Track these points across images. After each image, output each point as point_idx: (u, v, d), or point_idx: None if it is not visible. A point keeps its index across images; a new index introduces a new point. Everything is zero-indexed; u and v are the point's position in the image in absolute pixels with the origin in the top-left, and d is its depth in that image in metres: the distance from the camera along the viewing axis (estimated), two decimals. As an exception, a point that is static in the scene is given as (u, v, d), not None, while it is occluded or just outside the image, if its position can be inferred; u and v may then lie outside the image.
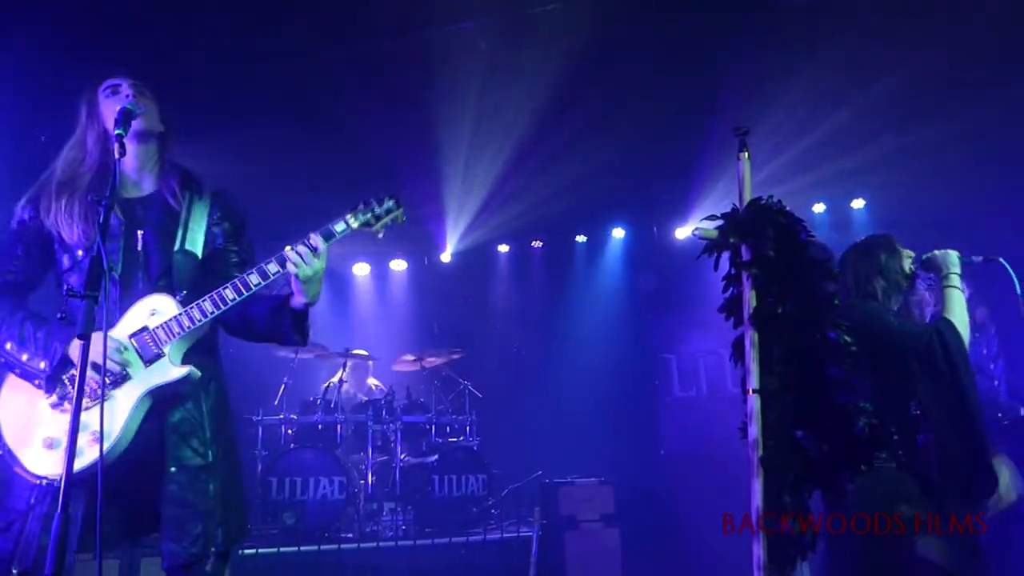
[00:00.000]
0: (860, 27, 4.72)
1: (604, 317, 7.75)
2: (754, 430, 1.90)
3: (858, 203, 7.02)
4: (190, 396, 2.24)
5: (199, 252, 2.32)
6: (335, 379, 6.89)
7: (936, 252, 2.82)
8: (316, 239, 2.28)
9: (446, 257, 8.26)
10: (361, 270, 8.70)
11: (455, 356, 6.71)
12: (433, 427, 6.42)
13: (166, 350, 2.21)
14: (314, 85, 5.47)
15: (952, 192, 5.82)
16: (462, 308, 8.06)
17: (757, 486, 1.86)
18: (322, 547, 4.99)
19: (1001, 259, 2.80)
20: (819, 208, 7.16)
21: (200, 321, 2.23)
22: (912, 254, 2.90)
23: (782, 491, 1.87)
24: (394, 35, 5.14)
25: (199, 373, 2.24)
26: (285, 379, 6.36)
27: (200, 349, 2.30)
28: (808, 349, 1.94)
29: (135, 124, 2.21)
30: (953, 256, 2.79)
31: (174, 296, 2.25)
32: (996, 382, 4.37)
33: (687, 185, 6.68)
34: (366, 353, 6.76)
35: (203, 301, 2.24)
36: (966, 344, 2.59)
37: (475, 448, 6.27)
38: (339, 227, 2.34)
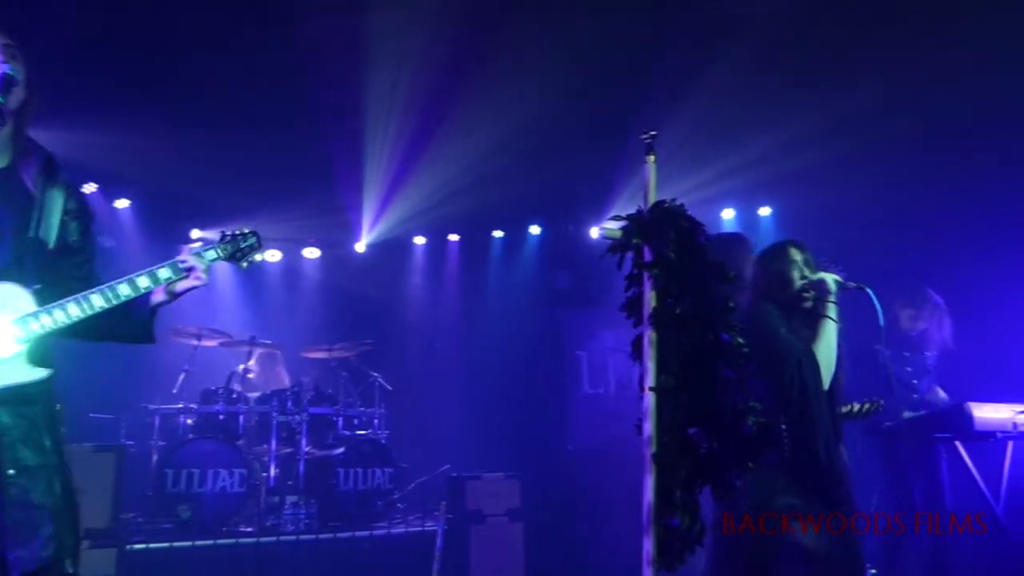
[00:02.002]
0: (770, 38, 4.89)
1: (518, 313, 7.79)
2: (648, 427, 1.95)
3: (765, 210, 7.27)
4: (30, 395, 2.07)
5: (52, 243, 2.15)
6: (240, 368, 6.70)
7: (819, 275, 2.92)
8: (189, 258, 2.25)
9: (361, 247, 8.14)
10: (272, 257, 8.47)
11: (366, 348, 6.63)
12: (340, 419, 6.32)
13: (24, 348, 2.04)
14: (229, 70, 5.30)
15: (857, 201, 6.09)
16: (375, 299, 7.97)
17: (649, 481, 1.91)
18: (218, 541, 4.84)
19: (868, 290, 2.93)
20: (728, 214, 7.40)
21: (62, 323, 2.08)
22: (836, 276, 2.97)
23: (674, 487, 1.92)
24: (315, 20, 5.04)
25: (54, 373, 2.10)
26: (185, 367, 6.14)
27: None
28: (703, 349, 2.00)
29: (15, 94, 2.03)
30: (831, 282, 2.90)
31: (27, 288, 2.08)
32: (915, 395, 4.59)
33: (604, 185, 6.79)
34: (272, 342, 6.59)
35: (68, 303, 2.08)
36: (827, 376, 2.74)
37: (383, 441, 6.21)
38: (210, 254, 2.34)
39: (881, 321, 3.03)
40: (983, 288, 5.52)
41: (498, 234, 8.27)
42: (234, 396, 5.98)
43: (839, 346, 2.87)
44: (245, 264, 2.46)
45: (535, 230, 8.13)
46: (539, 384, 7.40)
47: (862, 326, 3.22)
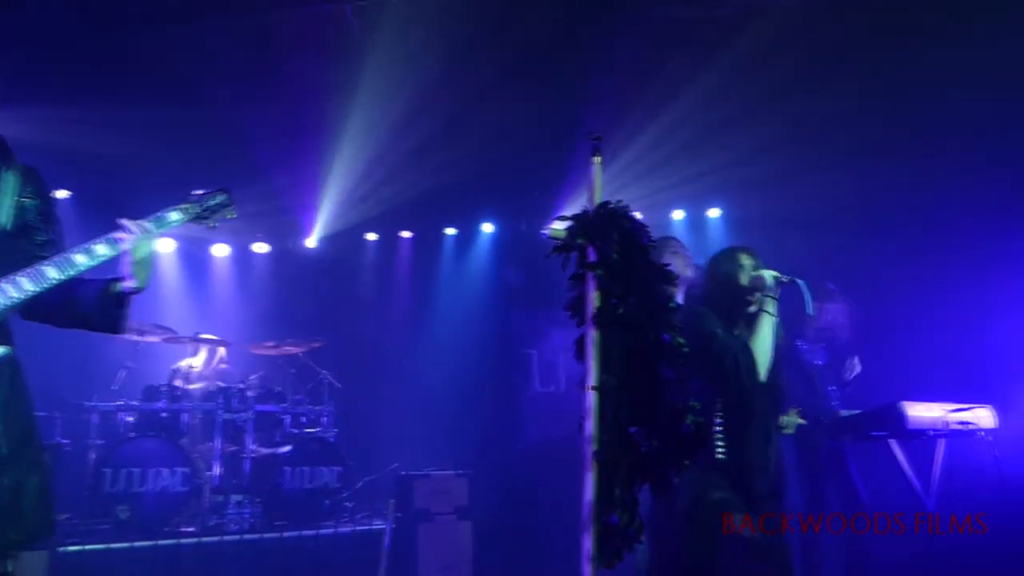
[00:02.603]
0: (722, 45, 4.98)
1: (469, 311, 7.79)
2: (590, 426, 1.97)
3: (714, 212, 7.39)
4: None
5: (6, 224, 2.12)
6: (183, 364, 6.56)
7: (758, 272, 3.01)
8: (147, 224, 2.21)
9: (311, 243, 8.04)
10: (220, 251, 8.31)
11: (315, 345, 6.55)
12: (288, 417, 6.24)
13: None
14: (181, 59, 5.19)
15: (804, 203, 6.24)
16: (326, 296, 7.88)
17: (590, 479, 1.93)
18: (159, 542, 4.74)
19: (799, 281, 3.02)
20: (678, 215, 7.51)
21: (15, 300, 2.04)
22: (775, 272, 3.05)
23: (613, 484, 1.95)
24: (265, 11, 4.96)
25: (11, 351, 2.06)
26: (127, 363, 5.98)
27: None
28: (644, 349, 2.03)
29: None
30: (769, 277, 2.99)
31: None
32: (831, 389, 4.74)
33: (558, 185, 6.82)
34: (218, 338, 6.46)
35: (19, 276, 2.04)
36: (762, 369, 2.80)
37: (331, 439, 6.15)
38: (173, 216, 2.31)
39: (809, 309, 3.11)
40: (918, 292, 5.73)
41: (451, 231, 8.24)
42: (177, 393, 5.86)
43: (777, 341, 2.96)
44: (213, 224, 2.43)
45: (488, 228, 8.13)
46: (490, 382, 7.41)
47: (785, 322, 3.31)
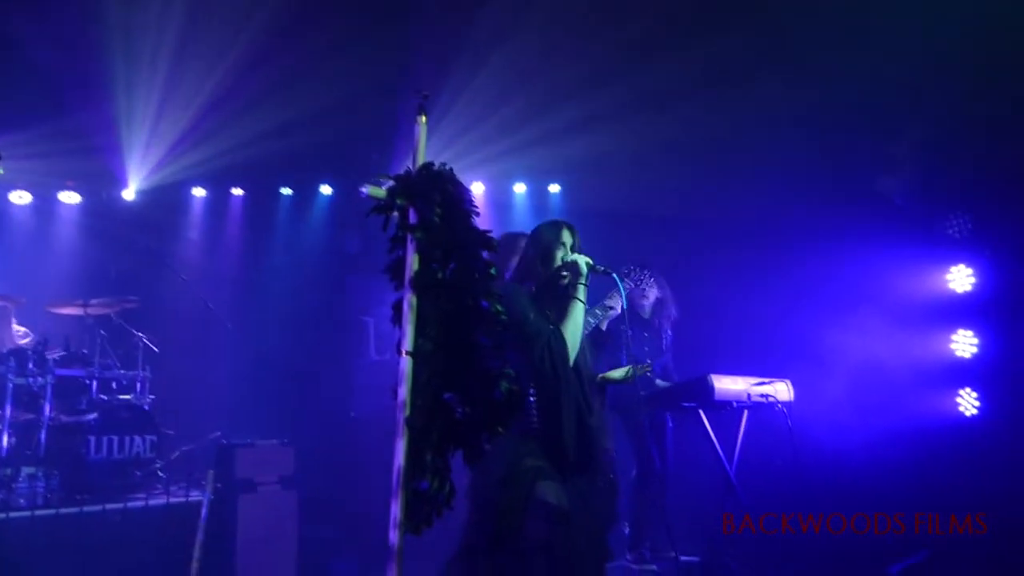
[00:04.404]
0: (557, 16, 5.04)
1: (304, 275, 7.53)
2: (403, 391, 1.94)
3: (554, 188, 7.53)
4: None
5: None
6: (-32, 323, 5.88)
7: (571, 257, 3.06)
8: None
9: (129, 195, 7.42)
10: (20, 199, 7.48)
11: (129, 305, 6.07)
12: (95, 382, 5.76)
13: None
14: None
15: (641, 185, 6.49)
16: (144, 253, 7.31)
17: (401, 445, 1.90)
18: (-73, 521, 4.23)
19: (614, 274, 3.14)
20: (520, 188, 7.60)
21: None
22: (588, 259, 3.10)
23: (425, 450, 1.93)
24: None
25: None
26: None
27: None
28: (462, 315, 2.03)
29: None
30: (583, 264, 3.05)
31: None
32: (649, 373, 5.00)
33: (395, 147, 6.70)
34: (7, 295, 5.83)
35: None
36: (572, 354, 2.89)
37: (146, 407, 5.75)
38: None
39: (624, 304, 3.26)
40: (732, 277, 6.18)
41: (286, 191, 7.89)
42: (-42, 355, 5.24)
43: (587, 325, 3.07)
44: None
45: (326, 190, 7.86)
46: (323, 350, 7.24)
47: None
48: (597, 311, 3.56)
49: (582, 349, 2.98)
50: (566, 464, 2.72)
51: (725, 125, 5.87)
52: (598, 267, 3.09)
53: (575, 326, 2.95)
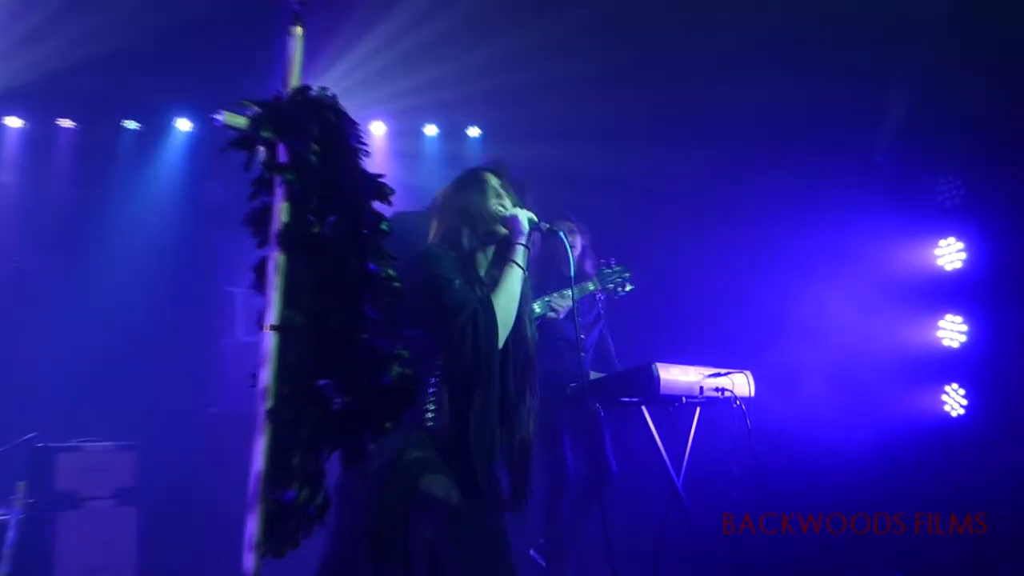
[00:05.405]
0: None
1: (152, 233, 7.31)
2: (265, 376, 1.87)
3: (474, 131, 7.51)
4: None
5: None
6: None
7: (513, 212, 3.01)
8: None
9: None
10: None
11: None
12: None
13: None
14: None
15: (580, 132, 6.53)
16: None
17: (260, 445, 1.84)
18: None
19: (561, 233, 3.11)
20: (431, 130, 7.54)
21: None
22: (531, 215, 3.06)
23: (292, 450, 1.87)
24: None
25: None
26: None
27: None
28: (344, 281, 1.96)
29: None
30: (524, 221, 2.99)
31: None
32: (583, 354, 5.06)
33: (273, 75, 6.51)
34: None
35: None
36: (504, 331, 2.84)
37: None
38: None
39: (572, 269, 3.26)
40: (685, 246, 6.28)
41: (131, 125, 7.59)
42: None
43: (525, 297, 3.01)
44: None
45: (184, 125, 7.60)
46: (175, 329, 7.11)
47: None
48: (536, 307, 3.54)
49: (520, 330, 2.95)
50: (469, 463, 2.70)
51: (682, 58, 5.94)
52: (543, 225, 3.05)
53: (510, 297, 2.89)
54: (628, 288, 4.94)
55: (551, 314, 3.72)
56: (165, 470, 5.98)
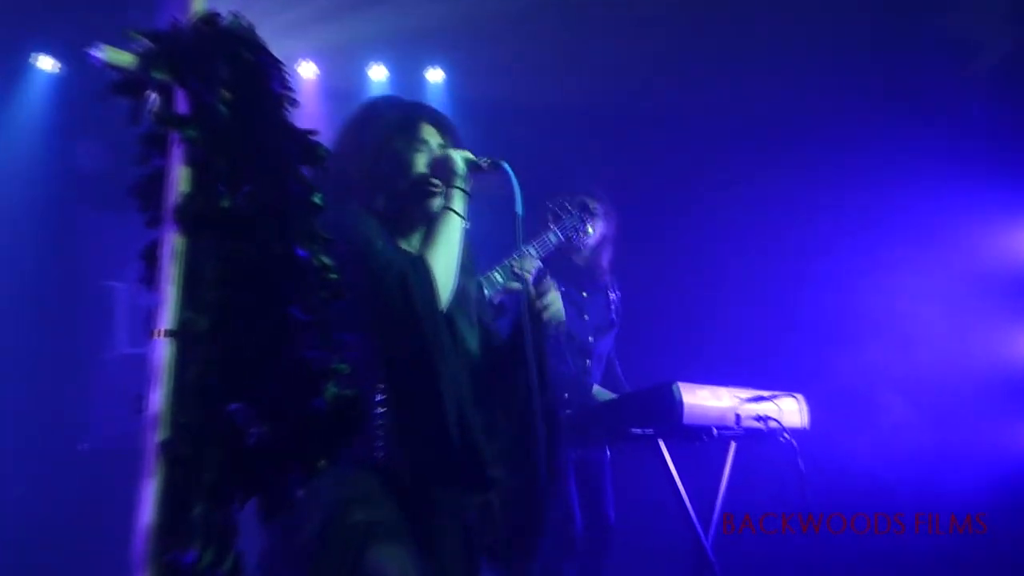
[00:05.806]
0: None
1: (4, 207, 7.30)
2: (157, 399, 1.89)
3: (436, 74, 7.59)
4: None
5: None
6: None
7: (444, 152, 3.14)
8: None
9: None
10: None
11: None
12: None
13: None
14: None
15: (576, 66, 6.68)
16: None
17: (150, 491, 1.86)
18: None
19: (504, 163, 3.16)
20: (379, 74, 7.58)
21: None
22: (467, 154, 3.13)
23: (193, 498, 1.89)
24: None
25: None
26: None
27: None
28: (263, 271, 1.98)
29: None
30: (459, 161, 3.10)
31: None
32: (588, 361, 5.12)
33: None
34: None
35: None
36: (444, 292, 2.92)
37: None
38: None
39: (519, 208, 3.26)
40: (716, 226, 6.34)
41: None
42: None
43: (467, 252, 3.09)
44: None
45: (46, 64, 7.60)
46: (34, 337, 7.06)
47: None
48: (495, 276, 3.59)
49: (464, 292, 3.01)
50: (437, 508, 2.73)
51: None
52: (482, 160, 3.15)
53: (448, 252, 2.99)
54: (589, 232, 4.92)
55: (514, 284, 3.71)
56: (14, 530, 6.03)
